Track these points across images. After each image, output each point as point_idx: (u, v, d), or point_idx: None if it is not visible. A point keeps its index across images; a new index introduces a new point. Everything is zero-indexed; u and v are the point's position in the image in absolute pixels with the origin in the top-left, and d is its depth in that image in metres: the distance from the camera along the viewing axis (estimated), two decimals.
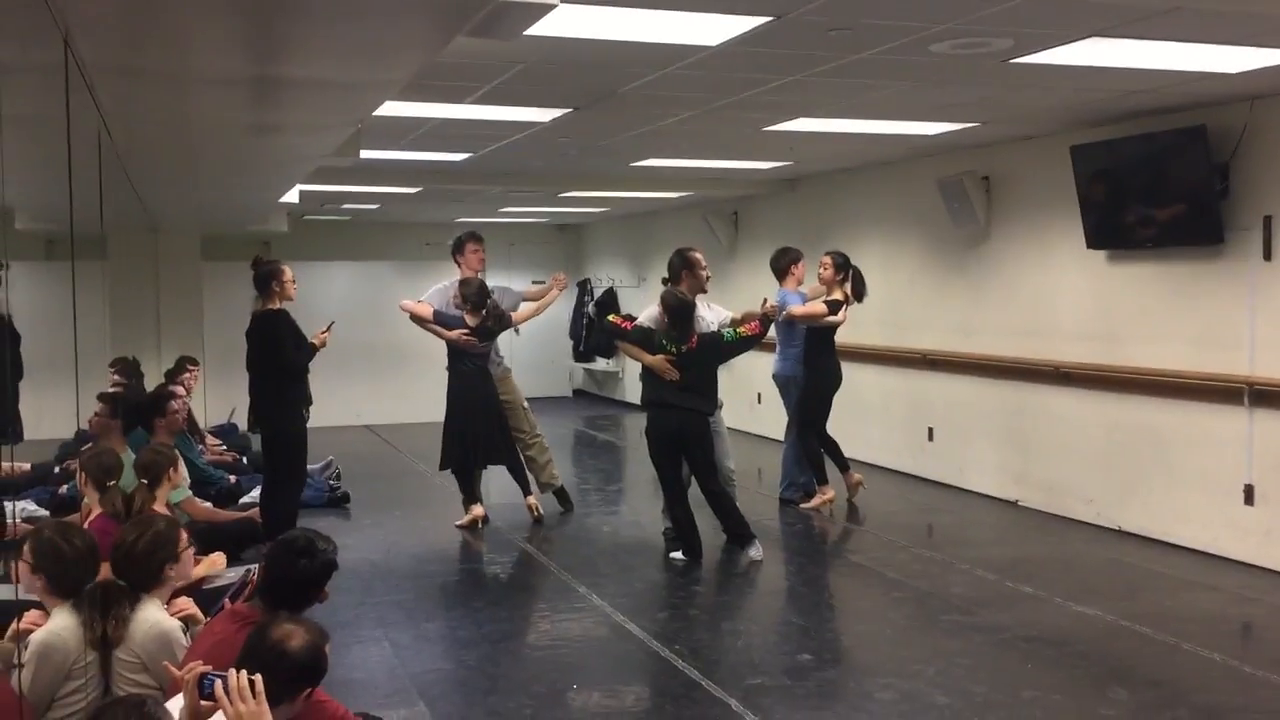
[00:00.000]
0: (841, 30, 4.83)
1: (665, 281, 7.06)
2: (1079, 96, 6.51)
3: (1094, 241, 7.58)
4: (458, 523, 7.89)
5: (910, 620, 5.87)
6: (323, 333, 6.94)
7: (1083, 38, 5.01)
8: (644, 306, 7.33)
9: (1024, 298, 8.42)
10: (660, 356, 6.78)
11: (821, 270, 8.14)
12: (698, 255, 7.06)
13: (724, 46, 5.08)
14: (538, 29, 4.48)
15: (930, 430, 9.49)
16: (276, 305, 6.73)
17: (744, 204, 12.55)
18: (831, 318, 7.97)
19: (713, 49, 5.15)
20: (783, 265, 8.24)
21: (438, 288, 8.09)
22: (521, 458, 8.14)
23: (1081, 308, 7.87)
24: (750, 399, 11.89)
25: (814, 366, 8.15)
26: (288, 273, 6.80)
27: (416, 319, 7.89)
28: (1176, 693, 4.76)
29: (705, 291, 7.14)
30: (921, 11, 4.59)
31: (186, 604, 3.80)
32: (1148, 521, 7.36)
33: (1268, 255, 6.49)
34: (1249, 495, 6.65)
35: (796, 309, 7.96)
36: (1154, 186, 7.03)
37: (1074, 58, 5.38)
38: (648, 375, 6.91)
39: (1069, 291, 7.96)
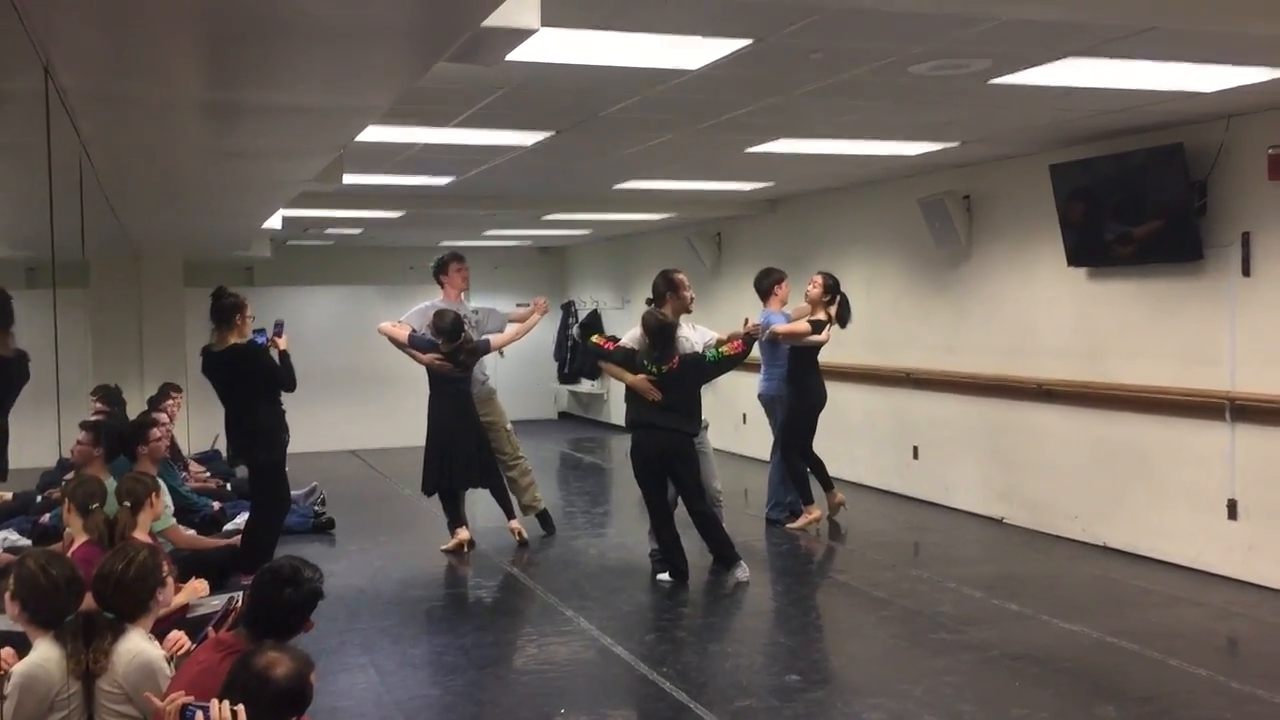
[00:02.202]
0: (822, 53, 4.86)
1: (649, 303, 7.07)
2: (1057, 116, 6.56)
3: (1074, 259, 7.63)
4: (443, 547, 7.86)
5: (897, 639, 5.86)
6: (278, 336, 6.83)
7: (1060, 58, 5.05)
8: (628, 328, 7.33)
9: (1006, 316, 8.46)
10: (641, 376, 6.79)
11: (810, 288, 8.18)
12: (682, 276, 7.07)
13: (705, 70, 5.11)
14: (519, 54, 4.49)
15: (915, 449, 9.50)
16: (236, 339, 6.64)
17: (727, 225, 12.59)
18: (814, 337, 8.00)
19: (694, 72, 5.18)
20: (766, 286, 8.27)
21: (419, 308, 8.09)
22: (504, 480, 8.12)
23: (1063, 325, 7.91)
24: (735, 419, 11.89)
25: (798, 386, 8.17)
26: (249, 308, 6.73)
27: (394, 342, 7.89)
28: (1164, 709, 4.77)
29: (690, 312, 7.14)
30: (901, 33, 4.62)
31: (180, 638, 3.78)
32: (1132, 537, 7.38)
33: (1247, 271, 6.54)
34: (1232, 510, 6.68)
35: (780, 328, 7.98)
36: (1133, 204, 7.08)
37: (1051, 78, 5.43)
38: (631, 396, 6.91)
39: (1050, 309, 8.00)
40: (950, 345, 9.02)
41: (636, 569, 7.27)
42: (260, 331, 6.77)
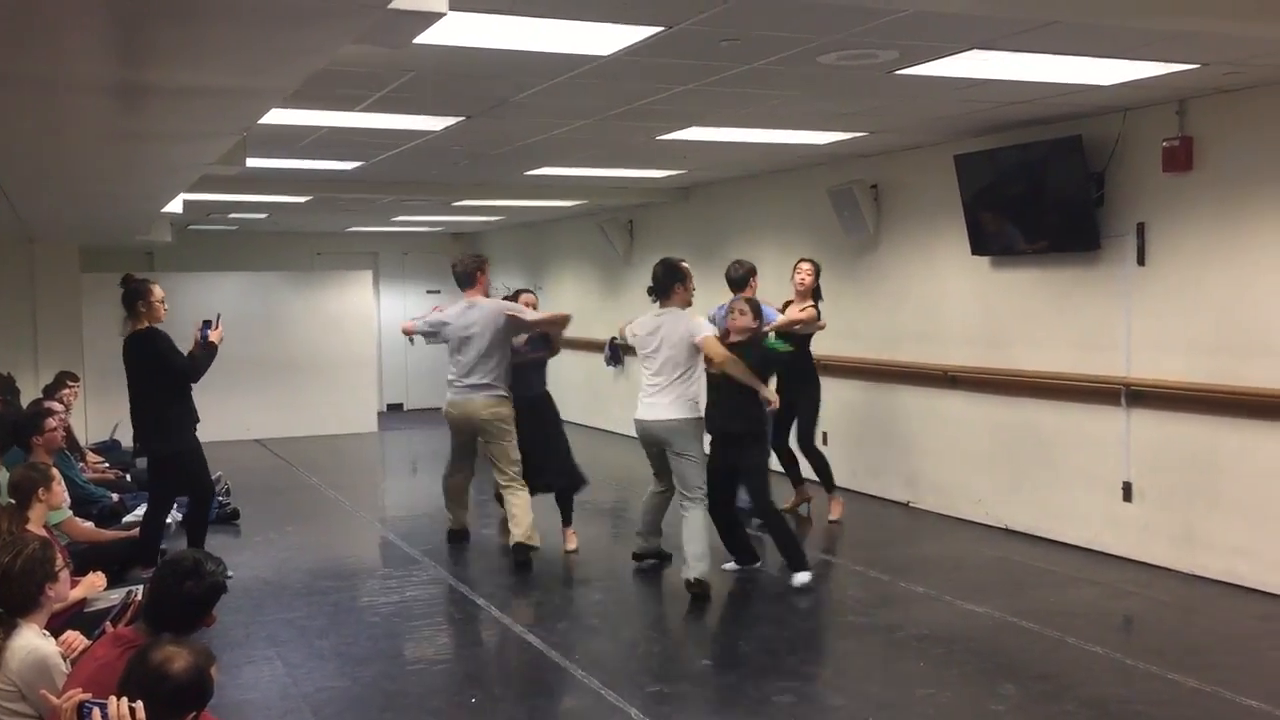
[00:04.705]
0: (731, 41, 4.88)
1: (651, 292, 6.58)
2: (962, 107, 6.68)
3: (978, 248, 7.79)
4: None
5: (806, 623, 5.94)
6: (215, 329, 6.65)
7: (965, 50, 5.14)
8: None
9: (912, 303, 8.61)
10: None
11: (805, 276, 7.92)
12: (687, 266, 6.61)
13: (616, 56, 5.10)
14: (427, 37, 4.43)
15: (824, 435, 9.61)
16: (145, 326, 6.46)
17: (639, 212, 12.60)
18: (819, 323, 7.91)
19: (605, 59, 5.16)
20: (742, 276, 7.76)
21: (456, 307, 7.37)
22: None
23: (967, 313, 8.08)
24: None
25: (812, 376, 8.05)
26: (156, 291, 6.49)
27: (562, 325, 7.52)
28: (1062, 686, 4.90)
29: (690, 305, 6.62)
30: (809, 23, 4.66)
31: (75, 639, 3.67)
32: (1033, 520, 7.57)
33: (1141, 260, 6.74)
34: (1127, 492, 6.89)
35: (796, 314, 7.76)
36: (1034, 194, 7.25)
37: (956, 70, 5.52)
38: (738, 392, 6.37)
39: (955, 297, 8.16)
40: (858, 332, 9.15)
41: (550, 557, 7.24)
42: (208, 324, 6.60)
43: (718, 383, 6.44)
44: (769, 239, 10.18)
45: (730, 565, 6.82)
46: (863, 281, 9.11)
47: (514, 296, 7.55)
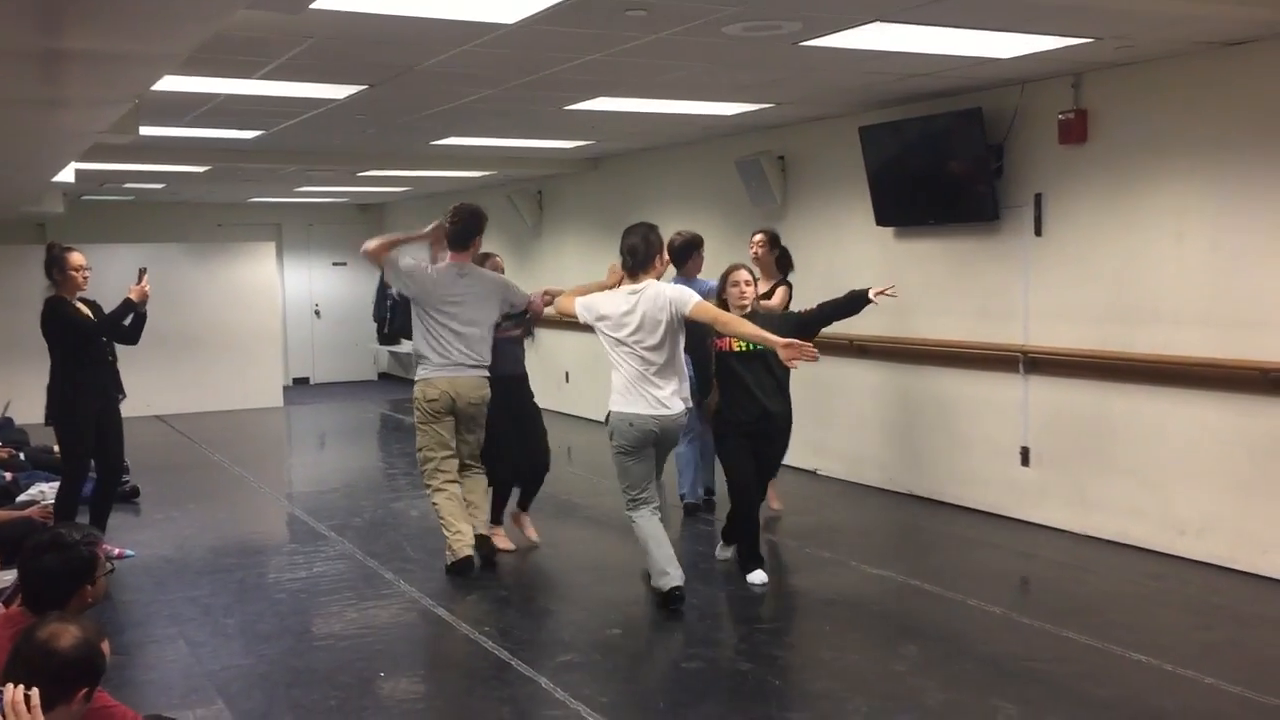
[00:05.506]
0: (637, 10, 4.87)
1: (627, 266, 5.71)
2: (865, 79, 6.75)
3: (882, 218, 7.90)
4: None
5: (715, 590, 6.01)
6: (139, 285, 6.45)
7: (867, 22, 5.19)
8: None
9: (819, 273, 8.68)
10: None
11: (758, 249, 7.31)
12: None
13: (523, 24, 5.05)
14: (325, 2, 4.35)
15: None
16: (56, 294, 6.29)
17: (548, 183, 12.54)
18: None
19: (511, 26, 5.10)
20: (685, 244, 7.27)
21: (439, 268, 6.44)
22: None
23: (872, 283, 8.15)
24: (559, 378, 11.91)
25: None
26: (73, 260, 6.29)
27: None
28: (962, 645, 5.04)
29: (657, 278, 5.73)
30: None
31: None
32: (936, 485, 7.75)
33: (1039, 231, 6.91)
34: (1025, 457, 7.09)
35: (768, 303, 6.87)
36: (935, 166, 7.37)
37: (859, 41, 5.57)
38: (736, 378, 5.92)
39: (861, 267, 8.26)
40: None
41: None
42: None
43: (739, 367, 5.91)
44: (678, 210, 10.19)
45: (727, 553, 6.37)
46: None
47: (481, 261, 6.69)
